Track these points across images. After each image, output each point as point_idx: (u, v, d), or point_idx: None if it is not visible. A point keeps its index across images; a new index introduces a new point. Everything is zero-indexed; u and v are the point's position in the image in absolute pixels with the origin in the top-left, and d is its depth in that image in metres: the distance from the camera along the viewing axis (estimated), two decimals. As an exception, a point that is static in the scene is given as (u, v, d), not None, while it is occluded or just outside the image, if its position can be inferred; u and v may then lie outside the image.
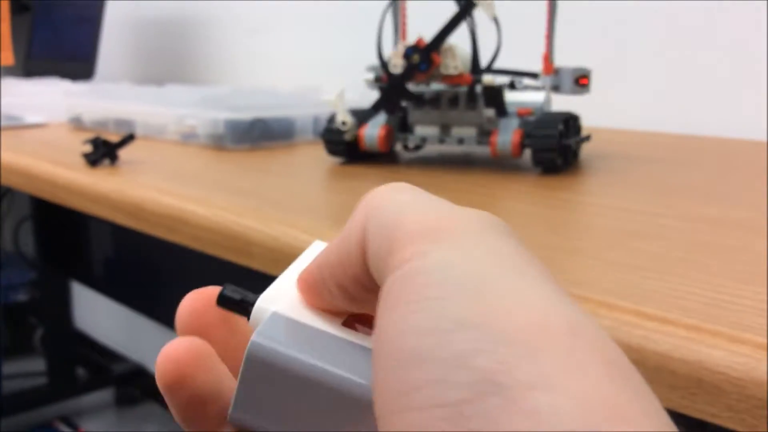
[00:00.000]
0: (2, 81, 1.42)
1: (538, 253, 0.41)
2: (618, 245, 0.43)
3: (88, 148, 0.68)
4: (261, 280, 0.51)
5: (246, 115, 0.79)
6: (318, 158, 0.74)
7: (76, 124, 0.96)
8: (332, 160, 0.72)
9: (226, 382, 0.21)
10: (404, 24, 0.73)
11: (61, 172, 0.66)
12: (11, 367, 1.99)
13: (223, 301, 0.21)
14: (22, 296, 2.18)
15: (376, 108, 0.67)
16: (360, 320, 0.21)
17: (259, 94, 1.01)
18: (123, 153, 0.71)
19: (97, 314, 2.16)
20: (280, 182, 0.65)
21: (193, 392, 0.20)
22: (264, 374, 0.19)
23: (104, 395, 1.97)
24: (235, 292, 0.21)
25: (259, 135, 0.79)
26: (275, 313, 0.20)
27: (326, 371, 0.18)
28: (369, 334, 0.19)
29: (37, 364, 2.04)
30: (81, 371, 1.99)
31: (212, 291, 0.22)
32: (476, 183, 0.62)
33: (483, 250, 0.16)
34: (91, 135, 0.70)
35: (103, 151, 0.68)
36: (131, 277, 1.84)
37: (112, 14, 1.72)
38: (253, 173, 0.68)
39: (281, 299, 0.21)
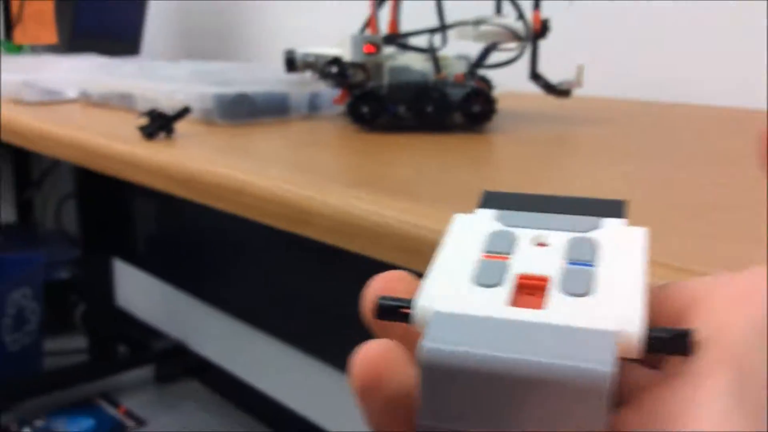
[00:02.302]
0: (45, 57, 1.43)
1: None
2: (697, 216, 0.41)
3: (144, 121, 0.68)
4: (316, 251, 0.50)
5: (231, 89, 0.78)
6: (330, 130, 0.74)
7: (86, 98, 0.97)
8: (346, 131, 0.71)
9: None
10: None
11: (119, 145, 0.66)
12: (53, 344, 2.02)
13: (382, 312, 0.21)
14: (63, 274, 2.20)
15: None
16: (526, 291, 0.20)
17: (264, 69, 1.02)
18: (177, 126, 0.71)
19: (138, 292, 2.18)
20: (328, 154, 0.64)
21: (388, 395, 0.20)
22: (444, 377, 0.18)
23: (144, 372, 1.99)
24: (391, 300, 0.21)
25: (248, 110, 0.78)
26: (438, 312, 0.19)
27: (512, 360, 0.17)
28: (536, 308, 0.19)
29: (78, 342, 2.06)
30: (122, 348, 2.01)
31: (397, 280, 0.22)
32: (480, 154, 0.61)
33: None
34: (101, 110, 0.69)
35: (159, 124, 0.67)
36: (173, 254, 1.86)
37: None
38: (301, 146, 0.68)
39: (441, 293, 0.20)
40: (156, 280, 2.00)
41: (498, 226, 0.23)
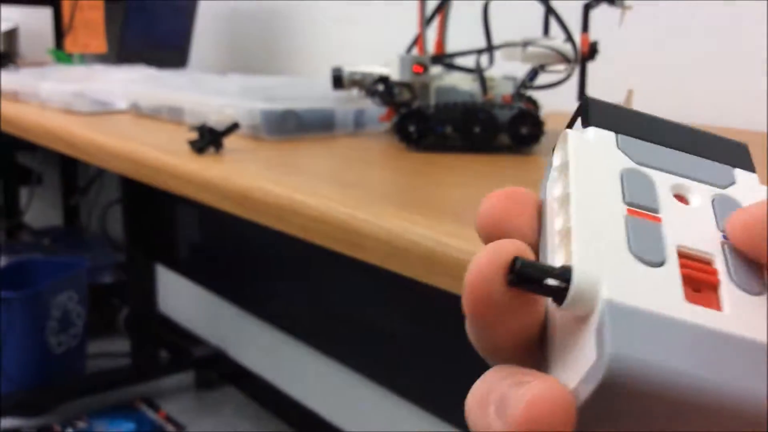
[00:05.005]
0: (94, 68, 1.46)
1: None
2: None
3: (194, 136, 0.69)
4: (354, 263, 0.50)
5: (279, 105, 0.79)
6: (376, 148, 0.74)
7: (136, 110, 0.99)
8: (393, 149, 0.72)
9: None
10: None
11: (170, 159, 0.67)
12: (95, 346, 2.05)
13: (519, 280, 0.16)
14: (107, 278, 2.23)
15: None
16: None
17: (310, 85, 1.03)
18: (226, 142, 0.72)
19: (180, 298, 2.20)
20: (379, 173, 0.64)
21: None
22: (620, 391, 0.15)
23: (184, 378, 2.01)
24: (533, 268, 0.16)
25: (295, 126, 0.79)
26: (611, 303, 0.15)
27: (715, 386, 0.14)
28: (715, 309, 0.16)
29: (120, 345, 2.09)
30: (163, 353, 2.03)
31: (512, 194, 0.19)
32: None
33: None
34: (151, 122, 0.70)
35: (209, 139, 0.68)
36: (214, 262, 1.88)
37: (207, 3, 1.75)
38: (349, 163, 0.68)
39: (602, 268, 0.16)
40: (197, 287, 2.02)
41: (628, 163, 0.19)
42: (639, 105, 0.75)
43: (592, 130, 0.20)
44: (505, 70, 0.76)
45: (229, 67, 1.79)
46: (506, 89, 0.73)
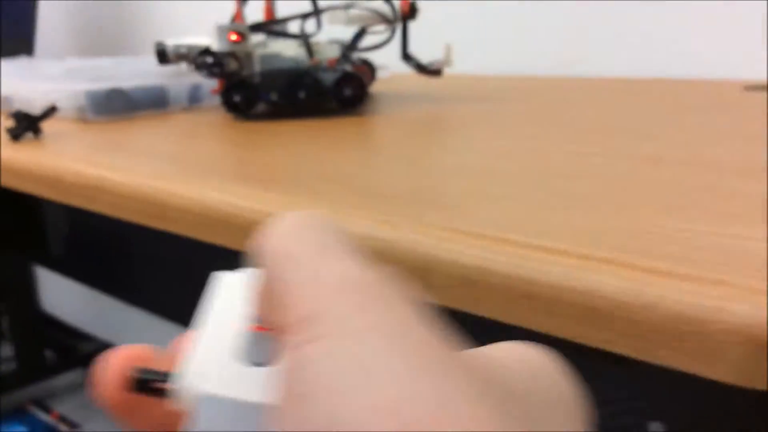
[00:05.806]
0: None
1: (460, 199, 0.39)
2: (542, 186, 0.42)
3: (11, 123, 0.66)
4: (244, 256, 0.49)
5: (103, 85, 0.76)
6: (207, 122, 0.73)
7: None
8: (223, 121, 0.72)
9: None
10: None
11: (-18, 148, 0.65)
12: (-20, 354, 1.98)
13: (138, 387, 0.19)
14: (-16, 283, 2.15)
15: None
16: None
17: (144, 62, 1.02)
18: (46, 126, 0.69)
19: (62, 295, 2.14)
20: (200, 146, 0.63)
21: None
22: None
23: (74, 376, 1.96)
24: (148, 373, 0.19)
25: (123, 105, 0.77)
26: (205, 395, 0.18)
27: None
28: None
29: (4, 350, 2.02)
30: (49, 353, 1.98)
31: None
32: (360, 132, 0.62)
33: (360, 346, 0.15)
34: None
35: (26, 125, 0.66)
36: (90, 256, 1.82)
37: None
38: (173, 139, 0.67)
39: (208, 370, 0.19)
40: (77, 283, 1.97)
41: None
42: (458, 58, 0.76)
43: (243, 269, 0.23)
44: (341, 35, 0.76)
45: (76, 51, 1.74)
46: (333, 53, 0.73)
